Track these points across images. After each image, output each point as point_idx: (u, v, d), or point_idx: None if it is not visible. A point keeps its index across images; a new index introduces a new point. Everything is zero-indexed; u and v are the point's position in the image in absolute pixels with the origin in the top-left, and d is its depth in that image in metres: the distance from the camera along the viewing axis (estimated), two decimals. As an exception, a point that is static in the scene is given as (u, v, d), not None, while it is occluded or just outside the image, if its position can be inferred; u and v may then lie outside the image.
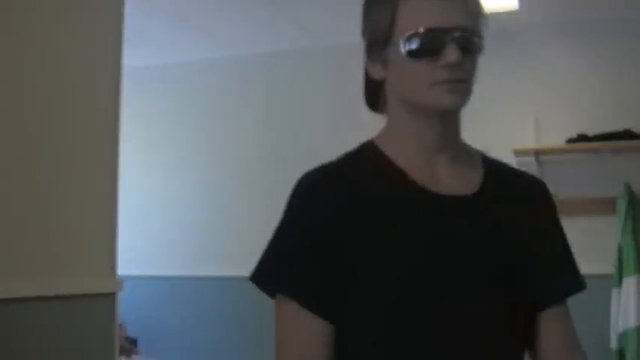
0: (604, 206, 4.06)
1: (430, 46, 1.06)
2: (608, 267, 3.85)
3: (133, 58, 4.65)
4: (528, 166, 4.26)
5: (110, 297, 2.55)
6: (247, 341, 4.64)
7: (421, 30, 1.06)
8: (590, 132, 4.09)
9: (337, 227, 1.06)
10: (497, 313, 1.08)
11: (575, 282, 1.20)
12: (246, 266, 4.91)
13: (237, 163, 4.94)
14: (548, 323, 1.14)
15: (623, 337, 3.68)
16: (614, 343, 3.75)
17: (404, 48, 1.08)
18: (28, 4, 2.29)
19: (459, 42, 1.06)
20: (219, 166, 4.98)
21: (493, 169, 1.19)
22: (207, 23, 4.47)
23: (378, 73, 1.16)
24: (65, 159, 2.41)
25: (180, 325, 4.86)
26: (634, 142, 3.97)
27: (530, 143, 4.24)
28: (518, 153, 4.19)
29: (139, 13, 3.98)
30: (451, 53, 1.05)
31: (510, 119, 4.35)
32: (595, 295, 3.96)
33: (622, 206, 3.86)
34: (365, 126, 4.85)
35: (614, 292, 3.78)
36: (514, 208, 1.15)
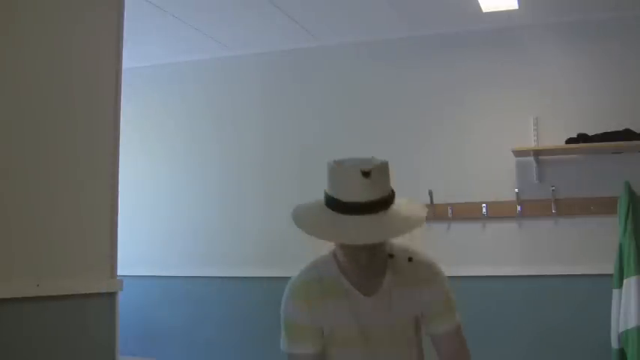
0: (604, 206, 4.06)
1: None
2: (608, 267, 3.84)
3: (132, 58, 4.68)
4: (528, 166, 4.26)
5: (110, 297, 2.56)
6: (247, 341, 4.64)
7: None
8: (590, 132, 4.09)
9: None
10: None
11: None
12: (245, 267, 4.91)
13: (236, 163, 4.94)
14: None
15: (623, 337, 3.68)
16: (614, 343, 3.75)
17: None
18: (29, 4, 2.29)
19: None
20: (219, 166, 4.98)
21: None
22: (206, 23, 4.47)
23: None
24: (65, 159, 2.41)
25: (180, 324, 4.86)
26: (634, 142, 3.96)
27: (530, 143, 4.24)
28: (518, 153, 4.19)
29: (138, 13, 3.98)
30: None
31: (510, 119, 4.34)
32: (595, 295, 3.99)
33: (622, 206, 3.85)
34: (365, 125, 4.83)
35: (615, 292, 3.77)
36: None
